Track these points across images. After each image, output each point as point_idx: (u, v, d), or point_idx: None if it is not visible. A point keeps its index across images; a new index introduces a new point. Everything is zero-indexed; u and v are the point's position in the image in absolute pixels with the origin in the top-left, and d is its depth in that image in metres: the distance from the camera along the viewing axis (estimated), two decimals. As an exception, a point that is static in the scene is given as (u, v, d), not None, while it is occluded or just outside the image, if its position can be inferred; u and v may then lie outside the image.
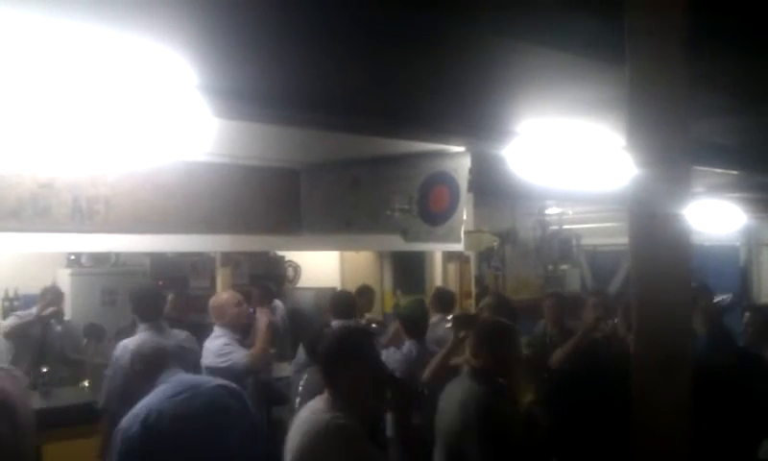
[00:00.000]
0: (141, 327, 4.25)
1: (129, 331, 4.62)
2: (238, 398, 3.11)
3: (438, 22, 2.67)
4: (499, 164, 5.16)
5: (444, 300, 5.62)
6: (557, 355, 4.47)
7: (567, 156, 4.91)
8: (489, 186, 6.95)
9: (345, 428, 2.42)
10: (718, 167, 5.90)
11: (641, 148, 1.80)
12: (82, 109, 3.46)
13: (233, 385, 3.21)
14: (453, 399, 3.07)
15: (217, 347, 4.37)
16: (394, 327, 4.32)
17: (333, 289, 8.23)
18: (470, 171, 5.54)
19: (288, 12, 2.54)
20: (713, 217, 9.14)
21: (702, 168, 5.82)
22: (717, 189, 8.15)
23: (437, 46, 2.95)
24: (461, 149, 5.34)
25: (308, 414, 2.56)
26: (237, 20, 2.60)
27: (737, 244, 10.77)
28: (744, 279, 10.66)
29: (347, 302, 5.03)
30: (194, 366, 4.23)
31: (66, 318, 6.02)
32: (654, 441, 1.82)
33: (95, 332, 5.53)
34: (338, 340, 2.70)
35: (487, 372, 3.07)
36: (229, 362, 4.33)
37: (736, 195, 8.88)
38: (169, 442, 2.75)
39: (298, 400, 3.83)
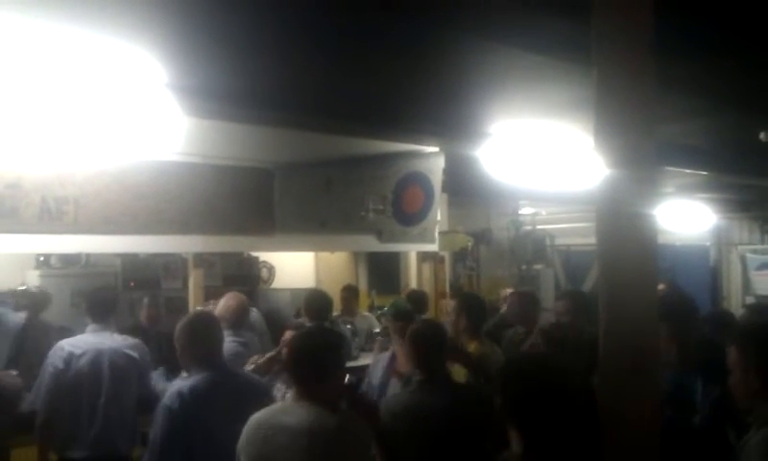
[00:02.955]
0: (88, 327, 4.14)
1: (65, 333, 4.53)
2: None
3: (411, 24, 2.68)
4: (473, 165, 5.19)
5: (419, 301, 5.62)
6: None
7: (540, 156, 4.95)
8: (463, 187, 6.98)
9: None
10: (688, 168, 5.98)
11: (609, 149, 1.82)
12: (50, 108, 3.41)
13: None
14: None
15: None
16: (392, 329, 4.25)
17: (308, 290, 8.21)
18: (444, 171, 5.57)
19: (261, 11, 2.52)
20: (684, 217, 9.28)
21: (672, 169, 5.91)
22: (687, 190, 8.28)
23: (410, 47, 2.95)
24: (435, 149, 5.37)
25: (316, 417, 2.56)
26: (209, 18, 2.58)
27: (707, 244, 10.93)
28: (714, 278, 10.83)
29: (321, 302, 5.00)
30: (138, 375, 4.15)
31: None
32: (622, 440, 1.84)
33: (65, 335, 5.43)
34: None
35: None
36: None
37: (706, 196, 9.03)
38: (202, 411, 3.04)
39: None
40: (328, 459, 2.53)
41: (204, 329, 3.29)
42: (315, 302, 4.99)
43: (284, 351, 3.24)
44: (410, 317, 4.31)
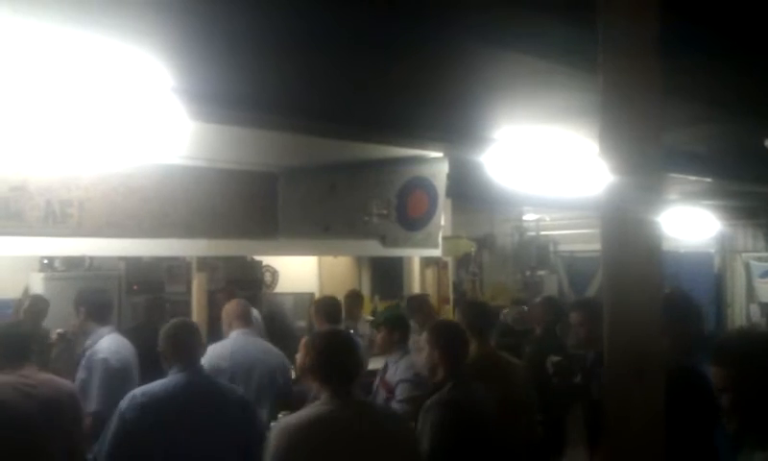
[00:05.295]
0: (101, 331, 4.07)
1: (74, 338, 4.53)
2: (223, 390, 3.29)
3: (416, 29, 2.68)
4: (477, 170, 5.19)
5: (417, 307, 5.61)
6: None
7: (544, 162, 4.95)
8: (467, 192, 6.99)
9: None
10: (692, 175, 5.98)
11: (613, 155, 1.81)
12: (56, 112, 3.42)
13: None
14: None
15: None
16: (382, 334, 4.18)
17: (311, 295, 8.20)
18: (448, 176, 5.58)
19: (266, 16, 2.53)
20: (688, 224, 9.28)
21: (677, 175, 5.90)
22: (692, 197, 8.27)
23: (416, 53, 2.96)
24: (439, 154, 5.38)
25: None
26: (215, 23, 2.59)
27: (712, 251, 10.92)
28: (718, 285, 10.81)
29: (334, 307, 5.00)
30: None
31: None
32: (627, 446, 1.83)
33: (69, 338, 5.44)
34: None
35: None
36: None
37: (711, 202, 9.02)
38: (160, 416, 2.97)
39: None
40: (388, 454, 2.56)
41: (183, 336, 3.22)
42: (327, 307, 4.98)
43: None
44: (406, 325, 4.29)
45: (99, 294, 4.37)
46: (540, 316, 5.37)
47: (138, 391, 3.04)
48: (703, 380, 2.53)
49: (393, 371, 3.99)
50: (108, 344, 4.04)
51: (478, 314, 4.02)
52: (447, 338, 3.25)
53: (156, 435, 2.94)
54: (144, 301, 6.04)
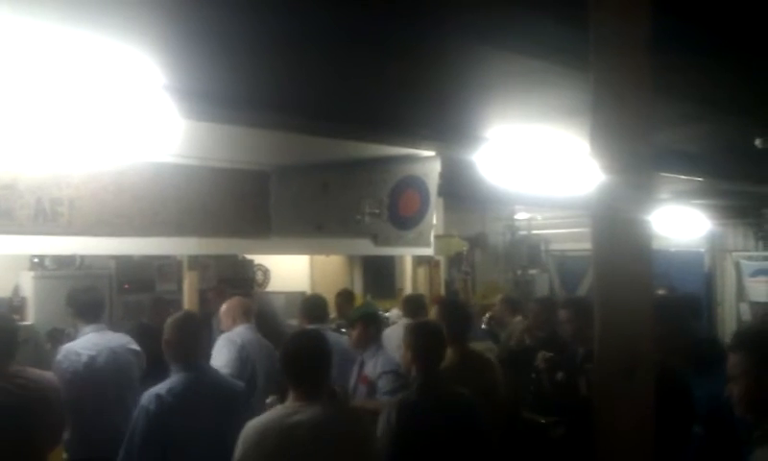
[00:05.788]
0: (85, 329, 4.06)
1: (61, 336, 4.51)
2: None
3: (408, 28, 2.68)
4: (469, 169, 5.20)
5: (414, 306, 5.64)
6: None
7: (535, 161, 4.96)
8: (459, 191, 7.00)
9: None
10: (683, 174, 6.00)
11: (604, 154, 1.82)
12: (47, 109, 3.41)
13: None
14: None
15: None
16: (358, 330, 4.21)
17: (303, 293, 8.19)
18: (440, 175, 5.58)
19: (258, 15, 2.53)
20: (679, 223, 9.32)
21: (667, 175, 5.93)
22: (682, 196, 8.31)
23: (408, 51, 2.96)
24: (431, 153, 5.38)
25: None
26: (206, 21, 2.58)
27: (702, 250, 10.97)
28: (708, 284, 10.86)
29: (319, 306, 5.00)
30: (139, 367, 4.14)
31: (30, 322, 5.89)
32: (616, 445, 1.84)
33: (59, 337, 5.41)
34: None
35: None
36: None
37: (701, 202, 9.07)
38: (179, 413, 3.07)
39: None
40: (346, 454, 2.60)
41: (191, 329, 3.31)
42: (312, 306, 4.99)
43: None
44: (380, 320, 4.37)
45: (87, 293, 4.33)
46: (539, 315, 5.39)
47: (162, 390, 3.11)
48: (682, 382, 2.54)
49: (371, 365, 4.03)
50: (73, 344, 4.03)
51: (458, 318, 4.06)
52: (421, 339, 3.32)
53: (176, 429, 3.04)
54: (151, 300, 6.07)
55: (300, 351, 2.73)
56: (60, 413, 3.43)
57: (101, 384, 3.91)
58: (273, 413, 2.70)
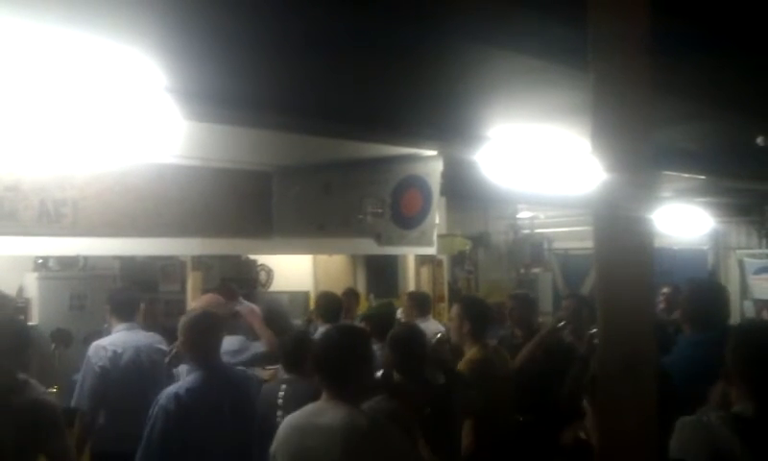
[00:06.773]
0: (117, 327, 4.20)
1: (96, 337, 4.54)
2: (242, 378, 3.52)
3: (410, 28, 2.69)
4: (471, 168, 5.20)
5: (422, 302, 5.66)
6: (520, 356, 4.46)
7: (537, 160, 4.96)
8: (461, 190, 7.00)
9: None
10: (685, 172, 6.00)
11: (606, 153, 1.82)
12: (50, 111, 3.42)
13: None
14: None
15: (235, 344, 4.40)
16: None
17: (306, 293, 8.20)
18: (443, 175, 5.58)
19: (259, 16, 2.54)
20: (682, 221, 9.30)
21: (670, 173, 5.93)
22: (685, 194, 8.30)
23: (410, 52, 2.97)
24: (433, 153, 5.38)
25: (333, 419, 2.55)
26: (208, 22, 2.59)
27: (705, 248, 10.95)
28: (712, 281, 10.85)
29: (334, 304, 5.03)
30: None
31: (34, 323, 5.91)
32: (618, 444, 1.84)
33: (63, 338, 5.43)
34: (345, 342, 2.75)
35: None
36: (251, 354, 4.46)
37: (704, 200, 9.05)
38: (197, 411, 3.15)
39: (279, 412, 3.67)
40: (361, 458, 2.53)
41: (205, 328, 3.36)
42: (327, 303, 5.02)
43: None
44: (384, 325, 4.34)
45: (122, 292, 4.53)
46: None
47: (181, 389, 3.17)
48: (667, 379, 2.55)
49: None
50: (103, 340, 4.15)
51: (480, 315, 4.06)
52: (402, 348, 3.36)
53: (194, 427, 3.11)
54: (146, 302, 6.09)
55: (329, 349, 2.68)
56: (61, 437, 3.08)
57: (124, 379, 4.02)
58: (304, 410, 2.67)
